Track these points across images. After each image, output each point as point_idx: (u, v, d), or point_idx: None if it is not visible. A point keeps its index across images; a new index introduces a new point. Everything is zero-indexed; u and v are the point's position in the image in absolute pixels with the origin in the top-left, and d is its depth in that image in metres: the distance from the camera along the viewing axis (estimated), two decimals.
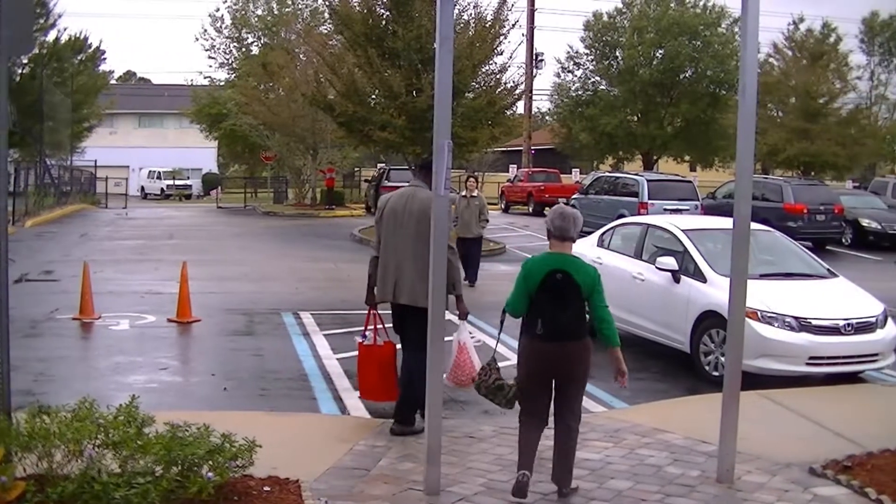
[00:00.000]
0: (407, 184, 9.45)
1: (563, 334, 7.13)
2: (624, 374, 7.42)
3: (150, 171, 76.98)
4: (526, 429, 7.28)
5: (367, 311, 9.62)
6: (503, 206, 47.64)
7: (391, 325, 9.40)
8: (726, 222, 11.28)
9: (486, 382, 7.67)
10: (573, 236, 7.34)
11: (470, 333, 9.32)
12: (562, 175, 50.03)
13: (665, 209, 27.23)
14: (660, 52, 51.51)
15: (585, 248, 15.22)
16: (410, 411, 8.89)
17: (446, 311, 7.58)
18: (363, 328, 9.74)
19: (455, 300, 8.93)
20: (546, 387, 7.28)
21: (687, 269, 12.59)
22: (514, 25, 31.04)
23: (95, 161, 59.14)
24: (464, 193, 20.77)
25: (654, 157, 54.73)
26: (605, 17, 54.45)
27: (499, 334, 7.96)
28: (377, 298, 9.29)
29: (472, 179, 21.78)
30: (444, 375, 8.46)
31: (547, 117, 72.27)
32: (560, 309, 7.12)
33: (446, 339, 7.80)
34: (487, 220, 21.07)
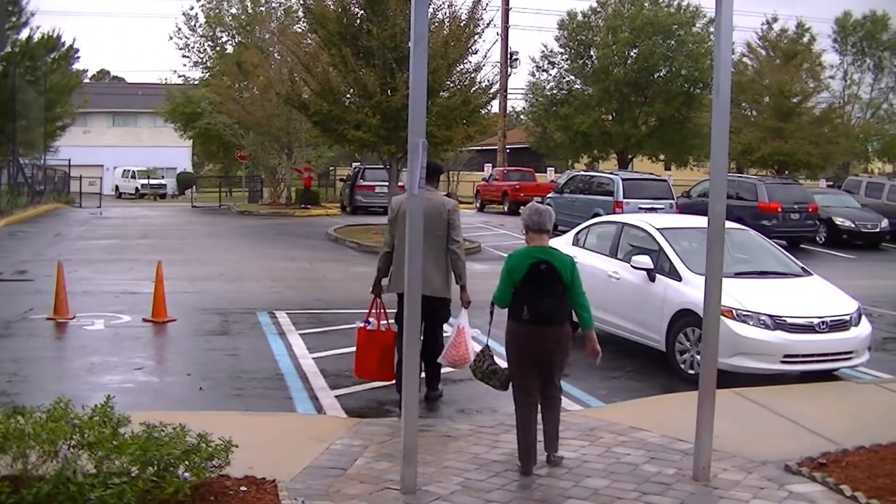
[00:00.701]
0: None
1: (548, 318, 7.86)
2: (597, 353, 8.22)
3: (124, 171, 76.52)
4: (522, 410, 7.95)
5: (371, 300, 10.42)
6: (478, 205, 47.67)
7: (393, 313, 10.03)
8: (701, 221, 11.36)
9: (481, 367, 8.47)
10: (549, 229, 8.17)
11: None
12: (537, 174, 50.06)
13: (640, 208, 27.32)
14: (634, 51, 51.59)
15: (560, 247, 15.24)
16: (437, 380, 10.55)
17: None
18: (366, 315, 10.46)
19: (460, 289, 10.01)
20: (534, 364, 7.94)
21: (662, 267, 12.63)
22: (488, 24, 31.10)
23: (69, 160, 58.76)
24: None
25: (629, 156, 54.83)
26: (580, 17, 54.47)
27: (490, 325, 8.53)
28: (392, 290, 10.04)
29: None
30: (442, 355, 9.57)
31: (522, 116, 72.41)
32: (544, 295, 7.84)
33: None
34: None
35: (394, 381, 10.04)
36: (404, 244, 8.86)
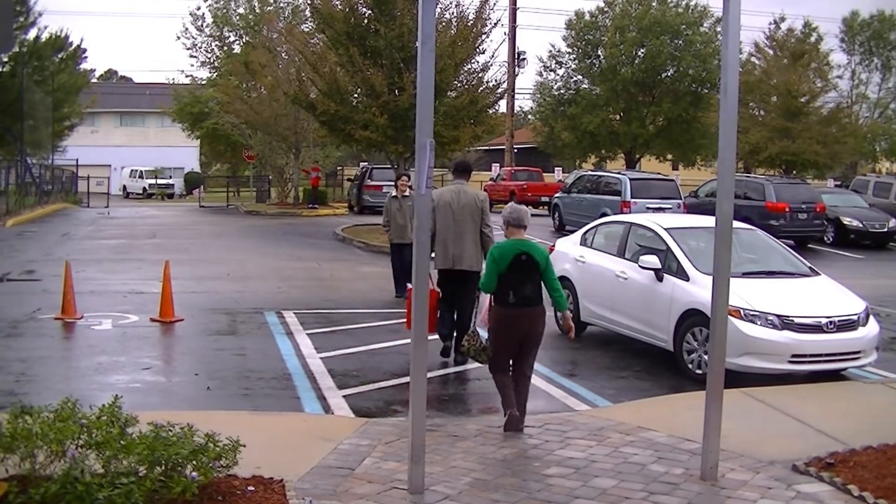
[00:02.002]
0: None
1: (530, 301, 9.07)
2: (571, 329, 9.61)
3: (131, 170, 76.66)
4: (501, 376, 9.19)
5: None
6: None
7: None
8: (709, 221, 11.35)
9: (474, 346, 9.44)
10: (526, 224, 9.24)
11: None
12: (544, 174, 50.04)
13: (648, 208, 27.28)
14: (641, 51, 51.53)
15: (568, 247, 15.27)
16: None
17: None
18: None
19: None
20: (515, 342, 9.11)
21: (670, 267, 12.61)
22: (496, 24, 31.15)
23: (77, 160, 58.94)
24: (394, 194, 18.44)
25: (637, 156, 54.78)
26: (587, 16, 54.43)
27: (476, 308, 9.77)
28: (437, 266, 12.08)
29: (404, 178, 18.52)
30: (474, 322, 10.52)
31: (529, 116, 72.23)
32: (526, 282, 9.03)
33: None
34: None
35: (435, 334, 11.62)
36: (447, 229, 12.09)
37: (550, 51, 55.78)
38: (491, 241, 11.81)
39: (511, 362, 9.28)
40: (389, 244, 18.62)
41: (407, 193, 17.69)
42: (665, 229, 13.31)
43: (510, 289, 8.98)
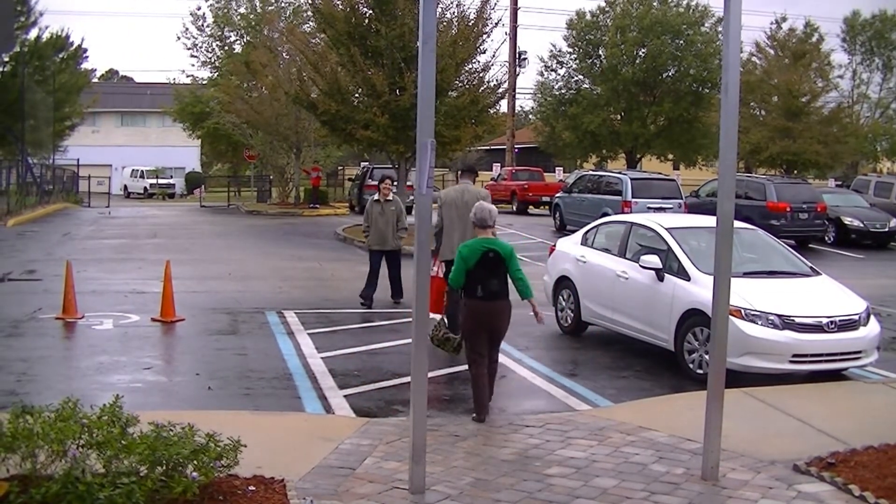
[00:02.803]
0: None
1: (497, 294, 9.71)
2: (539, 314, 10.10)
3: (132, 170, 76.71)
4: (477, 365, 9.70)
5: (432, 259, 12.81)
6: None
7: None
8: (710, 220, 11.35)
9: (437, 336, 10.52)
10: (490, 225, 9.94)
11: None
12: (545, 173, 50.02)
13: (648, 207, 27.29)
14: (642, 50, 51.54)
15: (569, 247, 15.28)
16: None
17: None
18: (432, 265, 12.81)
19: None
20: (484, 332, 9.72)
21: (671, 267, 12.61)
22: (497, 24, 31.15)
23: (78, 160, 58.96)
24: (377, 197, 17.27)
25: (638, 156, 54.78)
26: (588, 16, 54.42)
27: (447, 301, 10.82)
28: (444, 257, 13.24)
29: (387, 181, 17.51)
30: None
31: (530, 116, 72.32)
32: (493, 277, 9.70)
33: None
34: (405, 229, 17.23)
35: (441, 316, 11.98)
36: (453, 224, 13.27)
37: (551, 50, 55.85)
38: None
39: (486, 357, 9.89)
40: (369, 250, 17.54)
41: (390, 197, 17.12)
42: (666, 229, 13.31)
43: (478, 284, 9.65)
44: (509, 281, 9.84)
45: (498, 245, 9.79)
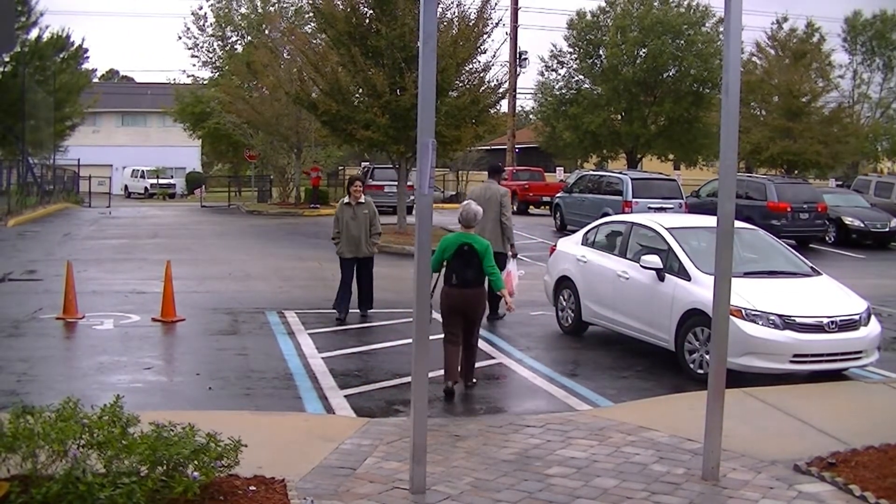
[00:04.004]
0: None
1: (470, 283, 11.06)
2: (509, 304, 11.82)
3: (133, 170, 76.74)
4: (449, 349, 10.91)
5: None
6: None
7: None
8: (710, 220, 11.34)
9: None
10: (472, 225, 11.31)
11: (517, 267, 15.11)
12: (546, 173, 49.99)
13: (649, 207, 27.29)
14: (643, 50, 51.42)
15: (570, 247, 15.29)
16: (493, 311, 15.36)
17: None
18: None
19: (509, 246, 15.57)
20: (460, 317, 11.03)
21: (671, 267, 12.61)
22: (497, 24, 31.12)
23: (78, 160, 58.96)
24: (347, 200, 16.09)
25: (638, 156, 54.69)
26: (589, 16, 54.29)
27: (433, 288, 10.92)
28: None
29: (357, 183, 16.35)
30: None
31: (531, 116, 72.24)
32: (467, 267, 11.02)
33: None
34: (380, 234, 16.39)
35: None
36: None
37: (552, 50, 55.68)
38: (509, 229, 15.68)
39: (461, 337, 11.09)
40: (340, 259, 16.19)
41: (362, 200, 15.94)
42: (666, 229, 13.31)
43: (453, 273, 11.04)
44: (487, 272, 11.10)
45: (474, 240, 11.16)
